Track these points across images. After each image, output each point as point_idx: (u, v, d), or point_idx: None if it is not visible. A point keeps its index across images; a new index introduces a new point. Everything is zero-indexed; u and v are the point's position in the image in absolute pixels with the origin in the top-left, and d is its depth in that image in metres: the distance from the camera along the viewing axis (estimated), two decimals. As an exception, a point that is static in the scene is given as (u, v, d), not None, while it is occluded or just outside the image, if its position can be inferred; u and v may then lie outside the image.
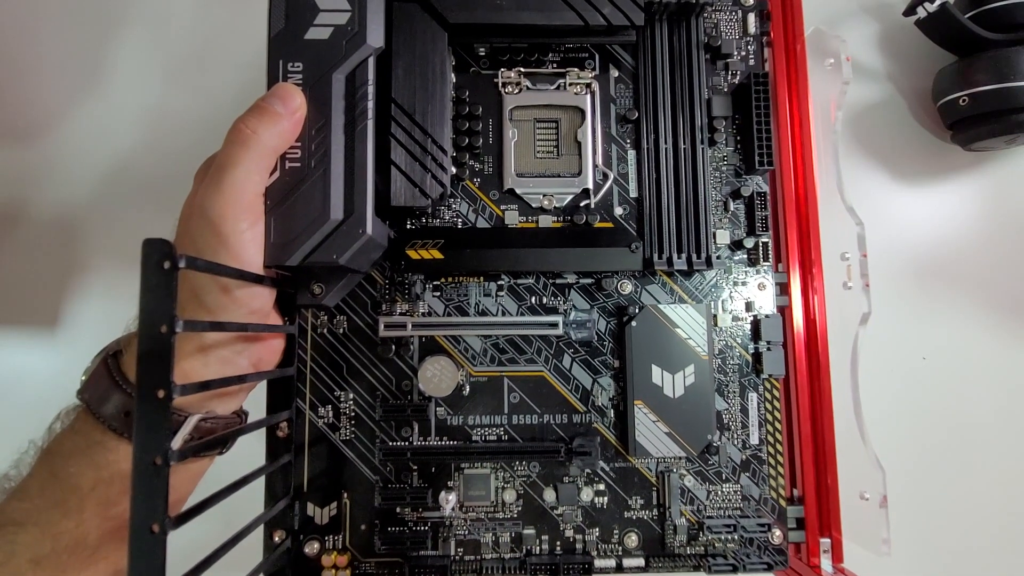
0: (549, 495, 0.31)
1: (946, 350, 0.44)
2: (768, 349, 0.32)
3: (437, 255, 0.31)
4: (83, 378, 0.27)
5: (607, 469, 0.31)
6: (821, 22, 0.46)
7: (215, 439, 0.26)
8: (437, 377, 0.31)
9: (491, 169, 0.33)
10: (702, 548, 0.31)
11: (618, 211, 0.32)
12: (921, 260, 0.44)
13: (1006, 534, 0.42)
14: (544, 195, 0.32)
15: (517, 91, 0.33)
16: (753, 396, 0.32)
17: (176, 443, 0.25)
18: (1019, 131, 0.40)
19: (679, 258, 0.31)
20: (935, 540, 0.42)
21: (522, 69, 0.33)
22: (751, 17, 0.34)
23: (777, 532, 0.31)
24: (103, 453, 0.25)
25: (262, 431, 0.31)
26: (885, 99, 0.46)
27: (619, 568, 0.30)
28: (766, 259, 0.32)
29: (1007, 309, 0.44)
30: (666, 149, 0.32)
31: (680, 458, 0.31)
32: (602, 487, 0.31)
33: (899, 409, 0.43)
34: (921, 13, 0.41)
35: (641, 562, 0.30)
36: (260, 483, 0.31)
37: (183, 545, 0.21)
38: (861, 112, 0.45)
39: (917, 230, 0.45)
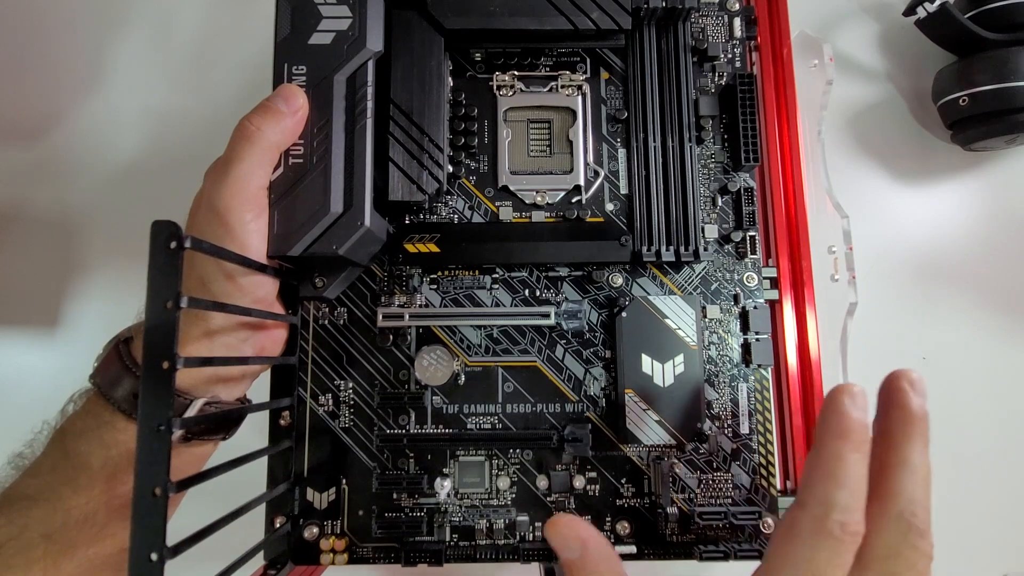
0: (542, 482, 0.31)
1: (946, 350, 0.44)
2: (757, 340, 0.32)
3: (434, 249, 0.32)
4: (95, 364, 0.29)
5: (599, 457, 0.32)
6: (821, 22, 0.47)
7: (219, 416, 0.27)
8: (433, 367, 0.32)
9: (486, 167, 0.34)
10: (693, 536, 0.31)
11: (609, 207, 0.34)
12: (921, 260, 0.45)
13: (1005, 532, 0.41)
14: (537, 192, 0.33)
15: (511, 93, 0.34)
16: (743, 387, 0.32)
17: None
18: (1019, 131, 0.41)
19: (667, 250, 0.32)
20: (936, 540, 0.41)
21: (516, 72, 0.34)
22: (737, 22, 0.35)
23: (768, 520, 0.31)
24: (112, 433, 0.27)
25: (265, 424, 0.32)
26: (885, 99, 0.46)
27: (611, 555, 0.31)
28: (754, 252, 0.33)
29: (1007, 309, 0.44)
30: (655, 147, 0.33)
31: (671, 446, 0.31)
32: (594, 475, 0.32)
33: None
34: (921, 13, 0.41)
35: (633, 549, 0.31)
36: (263, 473, 0.32)
37: (187, 525, 0.22)
38: (861, 112, 0.46)
39: (917, 230, 0.45)
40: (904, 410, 0.22)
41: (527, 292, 0.33)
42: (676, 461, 0.32)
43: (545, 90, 0.34)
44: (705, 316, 0.33)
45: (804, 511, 0.21)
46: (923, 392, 0.22)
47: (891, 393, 0.22)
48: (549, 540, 0.24)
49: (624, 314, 0.32)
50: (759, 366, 0.32)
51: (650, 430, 0.31)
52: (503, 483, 0.31)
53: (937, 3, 0.40)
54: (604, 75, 0.35)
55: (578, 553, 0.24)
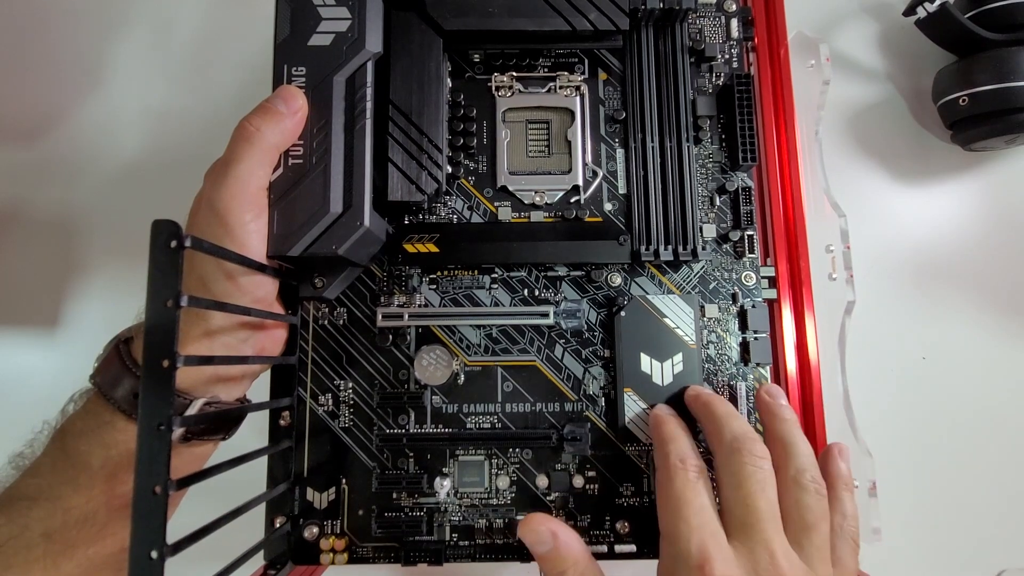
0: (542, 481, 0.32)
1: (946, 350, 0.44)
2: (755, 339, 0.32)
3: (433, 249, 0.32)
4: (95, 364, 0.29)
5: (598, 456, 0.32)
6: (821, 22, 0.47)
7: (219, 415, 0.27)
8: (433, 366, 0.32)
9: (485, 168, 0.34)
10: (692, 535, 0.31)
11: (607, 207, 0.34)
12: (921, 260, 0.45)
13: (1003, 530, 0.41)
14: (536, 192, 0.34)
15: (510, 94, 0.34)
16: (742, 385, 0.32)
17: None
18: (1019, 131, 0.41)
19: (665, 250, 0.32)
20: (935, 539, 0.42)
21: (514, 73, 0.34)
22: (734, 22, 0.35)
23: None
24: (112, 433, 0.27)
25: (265, 424, 0.32)
26: (885, 99, 0.46)
27: (611, 554, 0.31)
28: (752, 251, 0.33)
29: (1007, 309, 0.44)
30: (653, 147, 0.33)
31: (670, 445, 0.31)
32: (593, 474, 0.32)
33: (899, 409, 0.43)
34: (921, 13, 0.41)
35: (633, 548, 0.31)
36: (263, 473, 0.32)
37: (187, 525, 0.22)
38: (861, 112, 0.46)
39: (917, 230, 0.45)
40: (699, 400, 0.30)
41: (526, 292, 0.33)
42: (675, 460, 0.32)
43: (543, 91, 0.35)
44: (704, 315, 0.33)
45: (658, 469, 0.28)
46: (703, 387, 0.31)
47: (689, 398, 0.30)
48: (523, 538, 0.26)
49: (623, 313, 0.32)
50: (757, 365, 0.32)
51: (649, 429, 0.31)
52: (503, 482, 0.31)
53: (937, 3, 0.40)
54: (602, 76, 0.35)
55: (550, 544, 0.26)
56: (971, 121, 0.42)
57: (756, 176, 0.34)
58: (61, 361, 0.44)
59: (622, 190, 0.34)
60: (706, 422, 0.29)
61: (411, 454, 0.32)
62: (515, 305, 0.33)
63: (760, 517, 0.25)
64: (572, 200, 0.34)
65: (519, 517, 0.31)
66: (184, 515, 0.25)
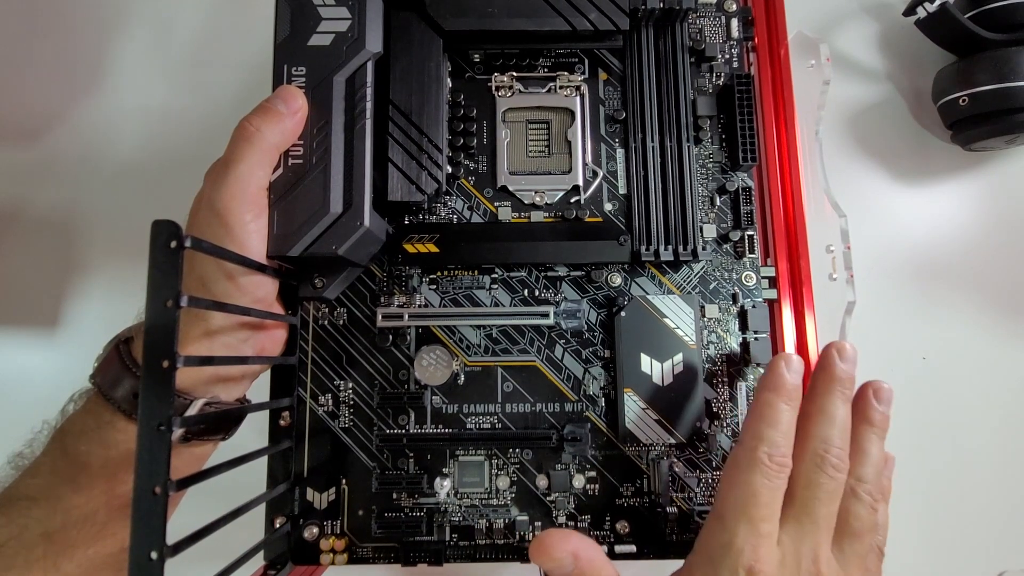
0: (542, 482, 0.32)
1: (946, 350, 0.44)
2: (756, 339, 0.32)
3: (433, 249, 0.32)
4: (95, 364, 0.29)
5: (598, 456, 0.32)
6: (821, 22, 0.47)
7: (219, 415, 0.27)
8: (433, 366, 0.32)
9: (485, 168, 0.34)
10: (693, 535, 0.31)
11: (607, 207, 0.34)
12: (921, 260, 0.45)
13: (1004, 531, 0.41)
14: (536, 192, 0.34)
15: (510, 94, 0.34)
16: (742, 385, 0.32)
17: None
18: (1019, 131, 0.41)
19: (666, 250, 0.32)
20: (936, 539, 0.41)
21: (514, 73, 0.34)
22: (734, 22, 0.35)
23: (767, 519, 0.31)
24: (112, 433, 0.27)
25: (265, 424, 0.32)
26: (885, 99, 0.46)
27: (611, 554, 0.31)
28: (752, 251, 0.33)
29: (1007, 309, 0.44)
30: (653, 147, 0.33)
31: (670, 445, 0.32)
32: (593, 474, 0.32)
33: (899, 409, 0.43)
34: (921, 13, 0.42)
35: (633, 548, 0.31)
36: (263, 473, 0.32)
37: (187, 525, 0.22)
38: (861, 112, 0.46)
39: (917, 230, 0.45)
40: (828, 372, 0.27)
41: (526, 292, 0.33)
42: (676, 460, 0.32)
43: (543, 91, 0.34)
44: (704, 315, 0.33)
45: (741, 446, 0.26)
46: (850, 360, 0.27)
47: (822, 359, 0.28)
48: (539, 565, 0.25)
49: (623, 313, 0.32)
50: (758, 365, 0.32)
51: (649, 429, 0.31)
52: (503, 483, 0.31)
53: (937, 3, 0.40)
54: (602, 76, 0.35)
55: (572, 566, 0.25)
56: (971, 121, 0.42)
57: (756, 176, 0.34)
58: (61, 361, 0.44)
59: (622, 190, 0.34)
60: (812, 407, 0.27)
61: (411, 454, 0.32)
62: (515, 305, 0.33)
63: (817, 523, 0.25)
64: (572, 200, 0.34)
65: (519, 517, 0.31)
66: (184, 515, 0.25)
